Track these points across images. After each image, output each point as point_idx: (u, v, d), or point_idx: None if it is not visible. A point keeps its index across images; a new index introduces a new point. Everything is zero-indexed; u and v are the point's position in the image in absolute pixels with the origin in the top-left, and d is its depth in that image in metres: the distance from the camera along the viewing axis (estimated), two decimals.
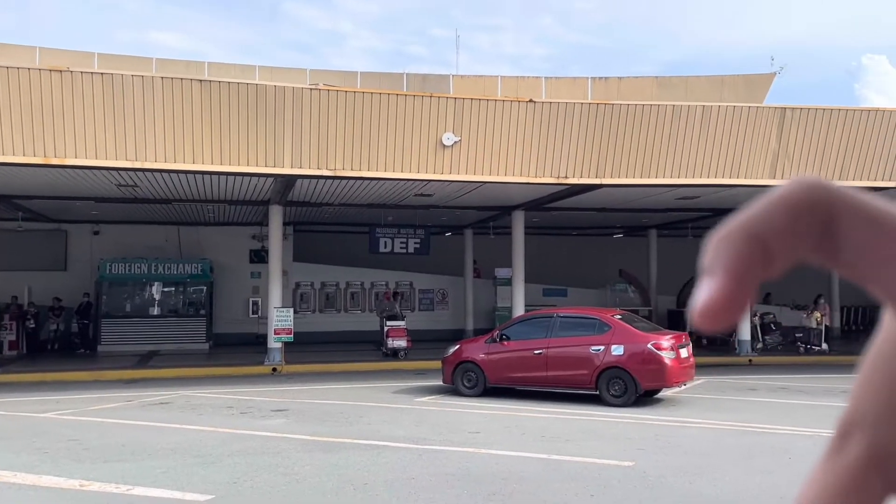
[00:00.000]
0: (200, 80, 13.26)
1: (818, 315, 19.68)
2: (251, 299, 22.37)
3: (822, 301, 20.34)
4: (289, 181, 14.59)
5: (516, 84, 24.82)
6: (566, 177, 14.29)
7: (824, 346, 19.46)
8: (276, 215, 17.28)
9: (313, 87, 14.45)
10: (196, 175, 13.99)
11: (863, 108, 17.19)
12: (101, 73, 12.55)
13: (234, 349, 19.91)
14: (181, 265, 21.40)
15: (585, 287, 24.03)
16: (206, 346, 20.81)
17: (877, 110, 15.61)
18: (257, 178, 14.28)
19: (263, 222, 19.65)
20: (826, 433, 6.45)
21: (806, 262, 0.24)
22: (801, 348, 19.51)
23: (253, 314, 22.09)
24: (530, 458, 7.96)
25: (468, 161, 13.85)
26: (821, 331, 19.60)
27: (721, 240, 0.24)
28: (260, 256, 21.40)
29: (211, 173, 13.61)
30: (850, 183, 13.44)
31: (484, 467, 7.51)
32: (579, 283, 24.19)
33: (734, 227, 0.24)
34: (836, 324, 23.81)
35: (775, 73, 26.13)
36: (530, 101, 14.26)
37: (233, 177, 14.16)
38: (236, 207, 18.85)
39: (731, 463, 7.68)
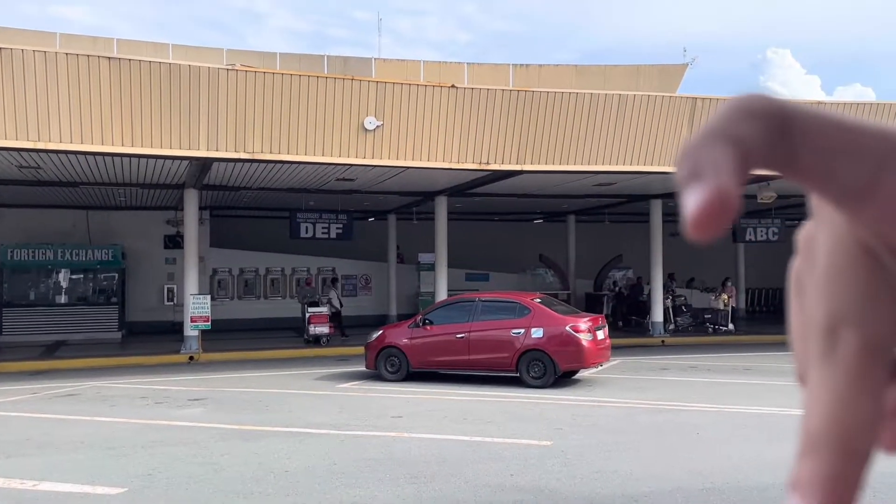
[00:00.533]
0: (109, 58, 12.66)
1: (725, 297, 20.64)
2: (166, 286, 21.67)
3: (729, 284, 21.33)
4: (205, 164, 14.16)
5: (439, 69, 24.80)
6: (488, 163, 14.43)
7: (731, 326, 20.45)
8: (191, 200, 16.75)
9: (230, 67, 14.03)
10: (105, 157, 13.39)
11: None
12: (0, 48, 11.81)
13: (149, 338, 19.26)
14: (90, 251, 20.50)
15: (507, 272, 24.39)
16: (119, 335, 20.04)
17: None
18: (171, 160, 13.79)
19: (178, 207, 19.03)
20: (731, 409, 6.76)
21: (765, 168, 0.25)
22: (710, 329, 20.43)
23: (168, 301, 21.41)
24: (452, 440, 8.06)
25: (391, 146, 13.78)
26: (728, 312, 20.58)
27: (696, 147, 0.24)
28: (175, 242, 20.71)
29: (121, 155, 13.04)
30: (756, 171, 14.06)
31: (406, 451, 7.55)
32: (501, 267, 24.53)
33: (707, 134, 0.24)
34: (742, 305, 25.03)
35: (687, 64, 27.09)
36: (453, 86, 14.29)
37: (144, 159, 13.62)
38: (149, 191, 18.16)
39: (644, 439, 7.99)
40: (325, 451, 7.56)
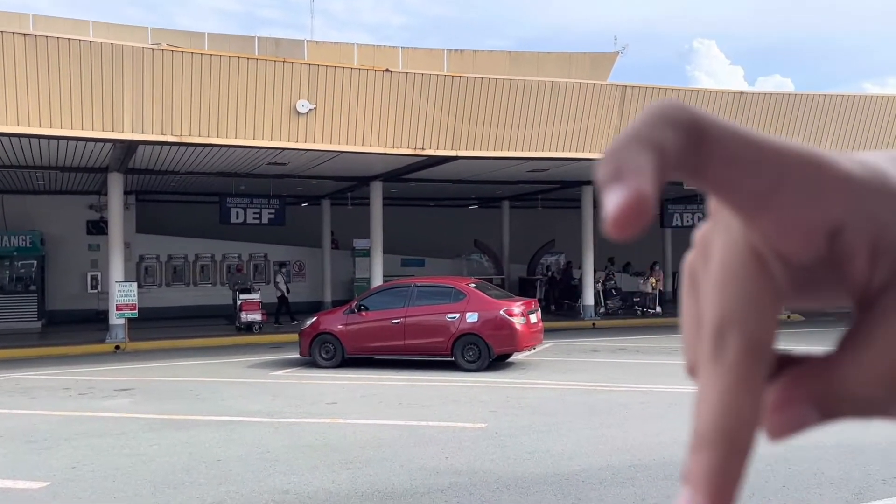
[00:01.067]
0: (24, 34, 12.04)
1: (653, 280, 21.27)
2: (90, 273, 20.88)
3: (657, 267, 21.96)
4: (129, 147, 13.65)
5: (373, 53, 24.55)
6: (423, 148, 14.40)
7: (658, 308, 21.09)
8: (115, 184, 16.15)
9: (156, 46, 13.54)
10: (21, 139, 12.76)
11: (694, 88, 18.58)
12: None
13: (72, 327, 18.54)
14: (6, 237, 19.56)
15: (442, 257, 24.47)
16: (38, 324, 19.23)
17: (707, 91, 16.93)
18: (93, 143, 13.25)
19: (102, 191, 18.32)
20: (659, 389, 6.99)
21: (676, 178, 0.26)
22: (639, 311, 21.03)
23: (92, 289, 20.65)
24: (388, 425, 8.07)
25: (324, 130, 13.59)
26: (655, 295, 21.22)
27: (617, 151, 0.25)
28: (99, 228, 19.97)
29: (38, 137, 12.46)
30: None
31: (342, 437, 7.52)
32: (436, 253, 24.59)
33: (628, 139, 0.25)
34: (669, 288, 25.83)
35: (618, 53, 27.61)
36: (387, 70, 14.18)
37: (64, 142, 13.05)
38: (70, 175, 17.41)
39: (575, 420, 8.18)
40: (259, 440, 7.46)
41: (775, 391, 0.28)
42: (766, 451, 6.59)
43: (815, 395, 0.27)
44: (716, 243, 0.28)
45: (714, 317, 0.27)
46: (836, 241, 0.27)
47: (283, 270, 20.50)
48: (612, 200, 0.24)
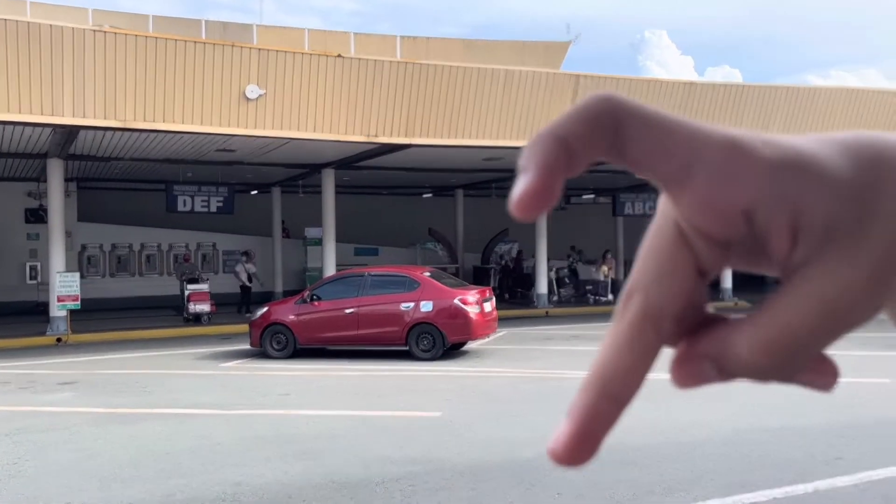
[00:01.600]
0: None
1: (605, 268, 21.56)
2: (29, 264, 20.13)
3: (609, 256, 22.27)
4: (70, 132, 13.16)
5: (324, 38, 24.18)
6: (376, 135, 14.25)
7: (611, 296, 21.39)
8: (55, 170, 15.56)
9: (97, 28, 13.06)
10: None
11: (646, 78, 18.82)
12: None
13: (10, 319, 17.84)
14: None
15: (396, 246, 24.34)
16: None
17: (658, 81, 17.17)
18: (32, 127, 12.72)
19: (41, 178, 17.64)
20: None
21: (603, 160, 0.29)
22: (591, 299, 21.30)
23: (31, 280, 19.93)
24: (342, 415, 7.98)
25: (274, 116, 13.32)
26: (608, 283, 21.51)
27: (532, 144, 0.29)
28: (38, 216, 19.24)
29: None
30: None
31: (295, 428, 7.41)
32: (390, 242, 24.45)
33: (543, 133, 0.29)
34: (622, 276, 26.22)
35: (570, 42, 27.79)
36: (339, 56, 13.96)
37: (1, 126, 12.50)
38: (7, 161, 16.72)
39: (529, 407, 8.22)
40: (209, 432, 7.29)
41: (682, 345, 0.31)
42: (714, 436, 6.72)
43: (712, 354, 0.30)
44: (656, 215, 0.32)
45: (629, 280, 0.31)
46: (754, 219, 0.29)
47: (244, 259, 19.93)
48: (517, 187, 0.28)
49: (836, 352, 0.31)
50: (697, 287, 0.31)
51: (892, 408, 7.88)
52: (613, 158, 0.29)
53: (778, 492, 5.25)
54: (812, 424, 6.88)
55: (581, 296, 21.60)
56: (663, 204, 0.31)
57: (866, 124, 17.34)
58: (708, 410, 7.47)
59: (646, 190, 21.30)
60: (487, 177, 21.25)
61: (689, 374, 0.31)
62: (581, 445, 0.30)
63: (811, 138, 0.30)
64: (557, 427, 0.31)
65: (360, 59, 14.21)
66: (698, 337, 0.31)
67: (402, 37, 25.51)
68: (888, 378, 9.01)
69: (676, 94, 16.34)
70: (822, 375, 0.31)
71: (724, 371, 0.30)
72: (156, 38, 13.03)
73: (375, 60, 14.24)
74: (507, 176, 20.89)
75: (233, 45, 13.35)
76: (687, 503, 5.12)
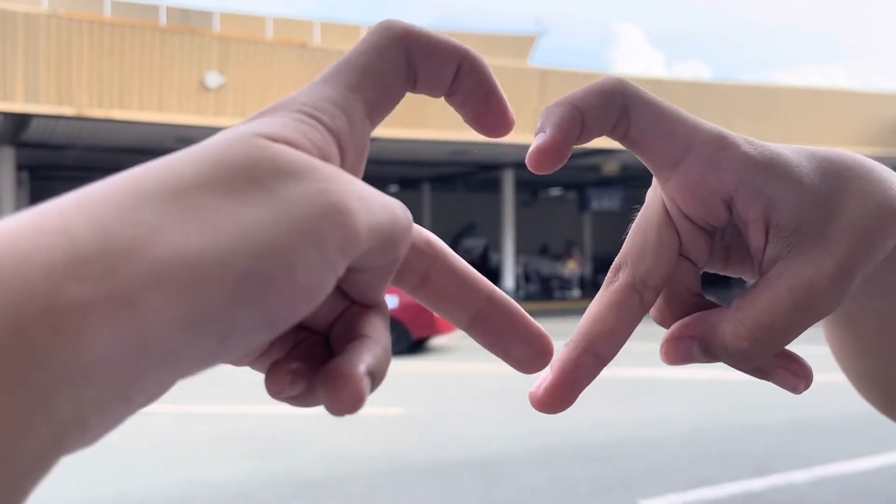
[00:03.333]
0: None
1: (571, 264, 21.65)
2: None
3: (574, 250, 22.38)
4: (22, 119, 12.72)
5: (288, 26, 23.81)
6: None
7: (576, 291, 21.50)
8: (6, 159, 15.05)
9: (51, 13, 12.64)
10: None
11: (614, 74, 18.83)
12: None
13: None
14: None
15: None
16: None
17: (626, 77, 17.22)
18: None
19: None
20: None
21: (607, 135, 0.33)
22: (558, 295, 21.38)
23: None
24: (303, 413, 7.80)
25: (234, 105, 13.04)
26: (574, 278, 21.61)
27: (552, 108, 0.32)
28: None
29: None
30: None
31: (255, 426, 7.26)
32: None
33: (562, 101, 0.32)
34: (588, 271, 26.40)
35: (536, 36, 27.78)
36: (303, 45, 13.73)
37: None
38: None
39: (493, 404, 8.17)
40: (164, 429, 7.08)
41: (675, 325, 0.35)
42: (675, 432, 6.74)
43: (699, 335, 0.33)
44: (646, 200, 0.36)
45: (619, 255, 0.35)
46: (732, 208, 0.33)
47: None
48: (535, 143, 0.31)
49: (797, 346, 0.33)
50: (686, 270, 0.35)
51: (847, 404, 8.01)
52: (617, 135, 0.33)
53: (735, 486, 5.29)
54: (772, 421, 6.95)
55: (547, 291, 21.68)
56: (652, 190, 0.35)
57: (828, 124, 17.64)
58: (670, 407, 7.50)
59: (612, 185, 21.41)
60: (454, 170, 21.17)
61: (676, 353, 0.34)
62: (561, 394, 0.35)
63: (788, 147, 0.34)
64: (540, 376, 0.35)
65: (324, 49, 13.99)
66: (690, 320, 0.34)
67: (367, 26, 25.23)
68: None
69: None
70: (794, 376, 0.34)
71: (709, 352, 0.33)
72: (112, 23, 12.66)
73: (338, 51, 14.03)
74: (473, 170, 20.82)
75: (193, 32, 13.03)
76: (645, 498, 5.11)
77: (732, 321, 0.32)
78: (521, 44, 26.78)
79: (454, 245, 21.76)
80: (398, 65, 0.29)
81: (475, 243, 24.56)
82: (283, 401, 0.29)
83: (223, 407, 8.15)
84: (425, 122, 14.62)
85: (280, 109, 0.25)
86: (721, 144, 0.32)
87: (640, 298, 0.33)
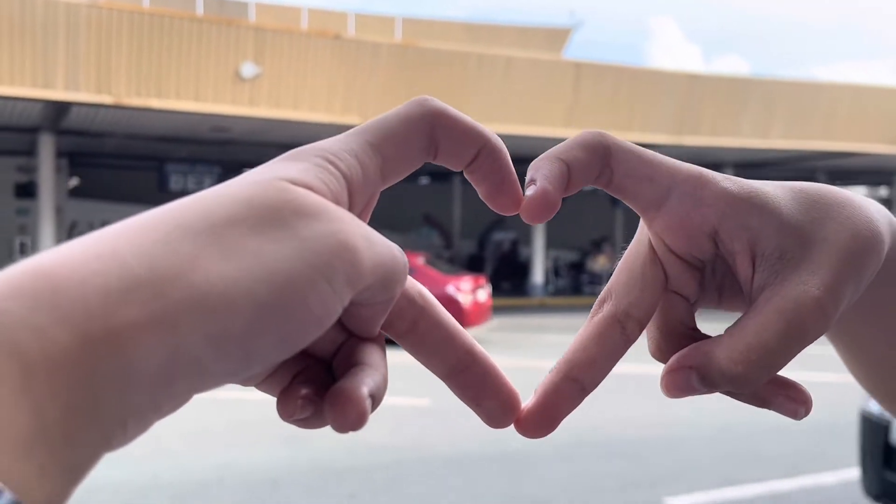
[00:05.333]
0: None
1: (602, 258, 21.49)
2: (19, 239, 19.96)
3: (606, 246, 22.21)
4: (62, 107, 12.98)
5: (323, 17, 23.91)
6: (369, 117, 14.09)
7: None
8: (46, 146, 15.38)
9: (92, 3, 12.86)
10: None
11: (647, 68, 18.66)
12: None
13: None
14: None
15: (392, 231, 24.24)
16: None
17: (660, 72, 17.01)
18: (22, 102, 12.54)
19: (32, 152, 17.46)
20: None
21: (592, 184, 0.34)
22: (588, 290, 21.24)
23: (21, 255, 19.75)
24: None
25: (269, 96, 13.15)
26: (604, 273, 21.45)
27: (539, 162, 0.34)
28: (28, 191, 19.05)
29: None
30: (634, 136, 14.54)
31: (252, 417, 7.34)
32: (386, 227, 24.17)
33: (548, 155, 0.34)
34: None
35: (571, 29, 27.52)
36: (338, 36, 13.78)
37: None
38: None
39: (521, 398, 8.16)
40: (197, 415, 7.20)
41: (672, 357, 0.35)
42: (702, 431, 6.67)
43: (696, 365, 0.34)
44: (639, 230, 0.37)
45: (605, 288, 0.37)
46: (717, 242, 0.34)
47: None
48: (526, 197, 0.33)
49: (822, 348, 0.33)
50: (679, 306, 0.36)
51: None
52: (602, 183, 0.34)
53: (763, 487, 5.22)
54: (801, 422, 6.82)
55: (577, 286, 21.55)
56: (640, 230, 0.37)
57: (870, 122, 17.21)
58: (698, 406, 7.42)
59: None
60: None
61: (675, 384, 0.34)
62: (542, 419, 0.36)
63: (765, 182, 0.35)
64: (526, 401, 0.35)
65: (357, 41, 14.03)
66: (686, 351, 0.34)
67: (403, 18, 25.25)
68: None
69: (679, 85, 16.18)
70: (794, 402, 0.35)
71: (706, 380, 0.33)
72: (151, 13, 12.84)
73: (374, 42, 14.06)
74: None
75: (229, 23, 13.15)
76: (672, 496, 5.07)
77: (727, 347, 0.33)
78: (556, 36, 26.56)
79: (483, 239, 21.79)
80: (421, 138, 0.32)
81: (504, 237, 24.49)
82: (291, 423, 0.32)
83: (252, 394, 8.25)
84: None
85: (306, 154, 0.29)
86: (701, 182, 0.34)
87: (622, 329, 0.35)
